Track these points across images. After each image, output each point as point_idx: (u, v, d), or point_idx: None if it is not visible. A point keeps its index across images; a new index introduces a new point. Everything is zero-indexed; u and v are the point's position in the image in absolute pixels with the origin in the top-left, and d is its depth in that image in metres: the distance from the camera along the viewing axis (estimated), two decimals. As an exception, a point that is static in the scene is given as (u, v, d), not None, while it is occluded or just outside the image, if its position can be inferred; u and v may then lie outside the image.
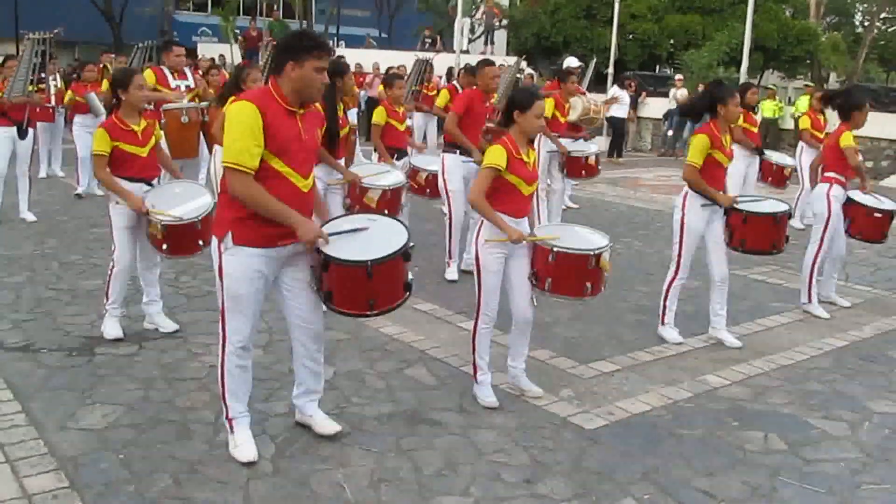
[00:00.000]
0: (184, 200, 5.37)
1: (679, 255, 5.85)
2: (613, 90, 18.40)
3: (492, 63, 7.30)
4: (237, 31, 26.24)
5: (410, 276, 4.05)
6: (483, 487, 3.84)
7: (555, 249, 4.55)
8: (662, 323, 6.00)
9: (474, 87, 7.56)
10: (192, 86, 8.55)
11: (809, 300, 6.84)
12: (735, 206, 5.78)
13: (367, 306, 3.90)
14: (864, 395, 5.16)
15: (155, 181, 5.56)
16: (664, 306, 5.98)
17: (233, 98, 6.62)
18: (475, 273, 4.70)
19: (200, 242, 5.28)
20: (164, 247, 5.25)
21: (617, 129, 18.17)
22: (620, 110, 17.93)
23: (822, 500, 3.89)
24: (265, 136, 3.67)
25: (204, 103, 8.50)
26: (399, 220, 4.20)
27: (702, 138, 5.65)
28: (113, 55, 15.13)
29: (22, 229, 8.84)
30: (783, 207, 6.02)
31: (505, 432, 4.41)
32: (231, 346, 3.96)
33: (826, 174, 6.84)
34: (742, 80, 17.63)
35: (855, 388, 5.26)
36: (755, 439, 4.47)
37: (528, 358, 4.94)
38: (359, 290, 3.85)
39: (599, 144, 16.93)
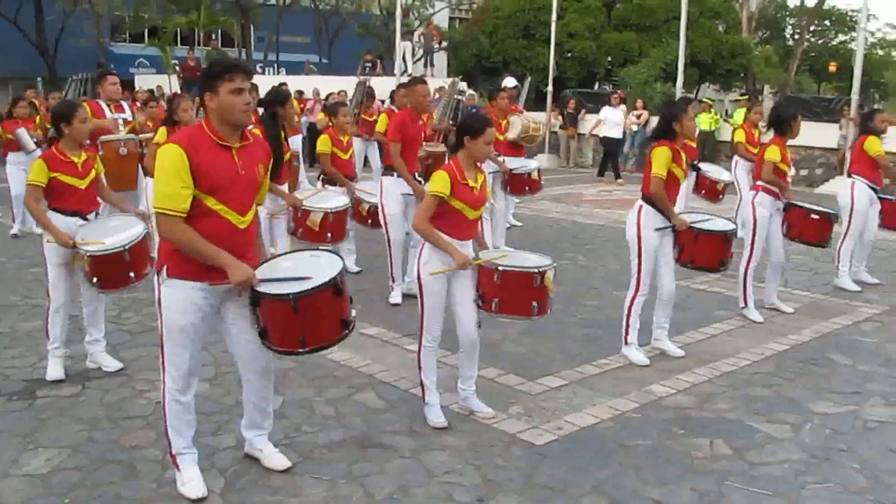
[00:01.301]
0: (116, 232, 5.27)
1: (639, 272, 5.83)
2: (604, 111, 18.24)
3: (423, 81, 7.36)
4: (175, 62, 26.06)
5: (354, 312, 3.95)
6: (435, 509, 3.85)
7: (500, 269, 4.57)
8: (626, 343, 5.93)
9: (405, 106, 7.60)
10: (129, 118, 8.47)
11: (746, 304, 7.00)
12: (692, 226, 5.81)
13: (299, 343, 3.78)
14: (806, 397, 5.28)
15: (92, 216, 5.47)
16: (627, 324, 5.91)
17: (168, 129, 6.60)
18: (418, 295, 4.72)
19: (132, 274, 5.16)
20: (95, 280, 5.13)
21: (610, 148, 18.08)
22: (613, 130, 17.94)
23: (769, 502, 3.97)
24: (195, 176, 3.62)
25: (143, 135, 8.43)
26: (339, 256, 4.09)
27: (664, 150, 5.66)
28: (36, 91, 14.88)
29: (-42, 272, 8.63)
30: (732, 226, 6.14)
31: (456, 452, 4.42)
32: (170, 380, 3.91)
33: (756, 183, 7.04)
34: (678, 95, 18.02)
35: (797, 392, 5.38)
36: (702, 446, 4.55)
37: (477, 376, 4.96)
38: (288, 325, 3.77)
39: (542, 162, 17.13)
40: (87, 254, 5.07)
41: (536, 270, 4.60)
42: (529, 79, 14.29)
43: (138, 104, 11.04)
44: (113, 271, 5.13)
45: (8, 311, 7.10)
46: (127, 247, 5.10)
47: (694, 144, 10.34)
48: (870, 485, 4.14)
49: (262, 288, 3.73)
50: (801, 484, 4.14)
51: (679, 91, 18.87)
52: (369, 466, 4.26)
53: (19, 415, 4.90)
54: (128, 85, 23.95)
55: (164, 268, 3.79)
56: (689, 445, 4.56)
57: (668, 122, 5.74)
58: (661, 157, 5.65)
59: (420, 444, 4.51)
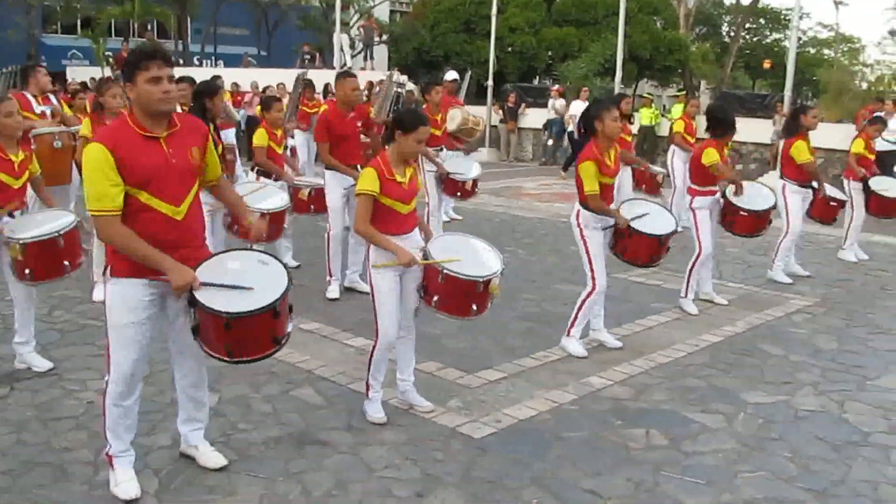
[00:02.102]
0: (44, 223, 5.12)
1: (592, 270, 5.84)
2: (575, 105, 17.35)
3: (352, 75, 7.34)
4: (109, 54, 25.50)
5: (290, 327, 3.88)
6: (374, 505, 3.83)
7: (444, 272, 4.53)
8: (568, 334, 5.96)
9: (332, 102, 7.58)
10: (58, 110, 8.24)
11: (685, 295, 7.11)
12: (631, 225, 5.85)
13: (226, 353, 3.75)
14: (739, 387, 5.39)
15: (18, 214, 5.31)
16: (575, 318, 5.94)
17: (91, 118, 6.41)
18: (371, 295, 4.67)
19: (66, 263, 5.05)
20: (28, 272, 4.98)
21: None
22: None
23: (702, 490, 4.03)
24: (122, 172, 3.54)
25: (75, 127, 8.22)
26: (286, 270, 3.96)
27: (589, 165, 5.63)
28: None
29: None
30: (669, 229, 6.08)
31: (395, 447, 4.40)
32: (113, 383, 3.82)
33: (691, 185, 7.15)
34: (617, 90, 18.24)
35: (730, 382, 5.49)
36: (638, 437, 4.61)
37: (416, 371, 4.95)
38: (218, 337, 3.72)
39: (482, 156, 17.17)
40: (20, 241, 4.92)
41: (480, 280, 4.55)
42: (470, 72, 14.30)
43: (69, 96, 10.75)
44: (46, 260, 5.00)
45: (-68, 310, 6.87)
46: (61, 232, 4.98)
47: (629, 139, 10.47)
48: (800, 472, 4.24)
49: (200, 297, 3.66)
50: (733, 472, 4.22)
51: (618, 86, 19.12)
52: (307, 463, 4.22)
53: (-57, 417, 4.74)
54: (60, 77, 23.41)
55: (109, 267, 3.72)
56: (625, 436, 4.61)
57: (591, 121, 5.72)
58: (588, 171, 5.64)
59: (359, 440, 4.49)
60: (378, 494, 3.93)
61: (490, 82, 21.57)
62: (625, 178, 9.96)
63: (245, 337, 3.73)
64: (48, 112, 8.11)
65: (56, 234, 4.97)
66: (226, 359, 3.79)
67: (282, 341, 3.83)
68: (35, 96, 8.06)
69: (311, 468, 4.17)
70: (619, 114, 5.81)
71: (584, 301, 5.93)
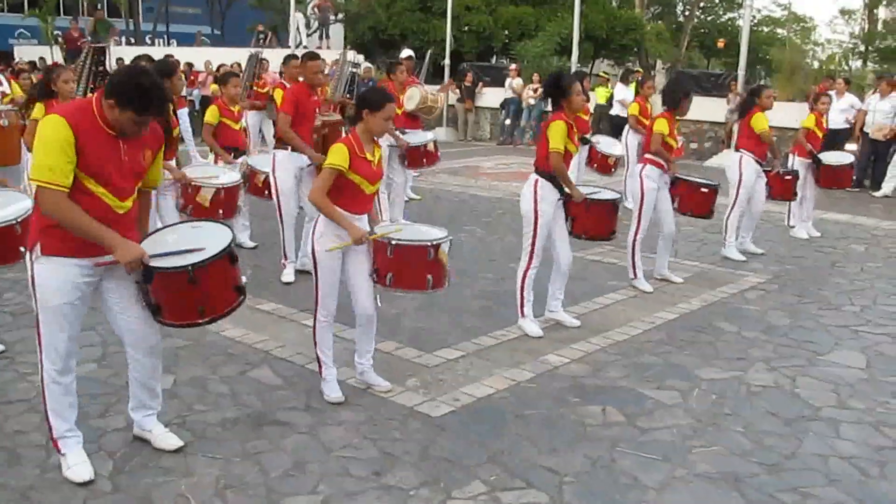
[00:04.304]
0: (3, 206, 5.04)
1: (532, 244, 5.87)
2: (618, 89, 15.22)
3: (316, 56, 7.22)
4: (58, 33, 24.93)
5: (244, 279, 3.94)
6: (331, 484, 3.82)
7: (392, 243, 4.54)
8: (522, 315, 5.98)
9: (295, 79, 7.48)
10: (7, 91, 8.05)
11: (635, 276, 7.18)
12: (587, 199, 5.88)
13: (198, 314, 3.76)
14: (694, 364, 5.46)
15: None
16: (522, 298, 5.96)
17: (44, 104, 6.27)
18: (312, 270, 4.66)
19: (22, 249, 4.96)
20: None
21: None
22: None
23: (657, 466, 4.09)
24: (78, 154, 3.47)
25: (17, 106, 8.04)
26: (224, 223, 4.03)
27: (560, 124, 5.65)
28: None
29: None
30: (617, 195, 6.31)
31: (353, 427, 4.40)
32: (48, 362, 3.77)
33: (645, 156, 7.21)
34: (574, 69, 18.26)
35: (685, 359, 5.56)
36: (595, 414, 4.65)
37: (374, 350, 4.94)
38: (185, 297, 3.71)
39: (440, 135, 17.10)
40: None
41: (430, 244, 4.58)
42: (430, 52, 14.18)
43: (18, 76, 10.50)
44: (2, 246, 4.91)
45: None
46: (19, 220, 4.90)
47: (586, 118, 10.50)
48: (753, 447, 4.31)
49: (157, 263, 3.62)
50: (688, 448, 4.28)
51: (574, 65, 19.14)
52: (264, 444, 4.20)
53: None
54: (5, 57, 22.87)
55: (38, 245, 3.62)
56: (582, 413, 4.65)
57: (555, 96, 5.75)
58: (558, 130, 5.65)
59: (316, 420, 4.47)
60: (336, 474, 3.92)
61: (447, 61, 21.48)
62: (580, 156, 10.00)
63: (212, 287, 3.75)
64: (-5, 92, 7.93)
65: (14, 222, 4.90)
66: (199, 321, 3.80)
67: (244, 290, 3.89)
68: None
69: (268, 449, 4.15)
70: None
71: (523, 278, 5.96)
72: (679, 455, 4.20)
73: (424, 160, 9.10)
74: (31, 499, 3.67)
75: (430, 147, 9.01)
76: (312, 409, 4.60)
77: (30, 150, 7.10)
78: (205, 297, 3.74)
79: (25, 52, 25.01)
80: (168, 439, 4.09)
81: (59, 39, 23.97)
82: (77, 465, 3.81)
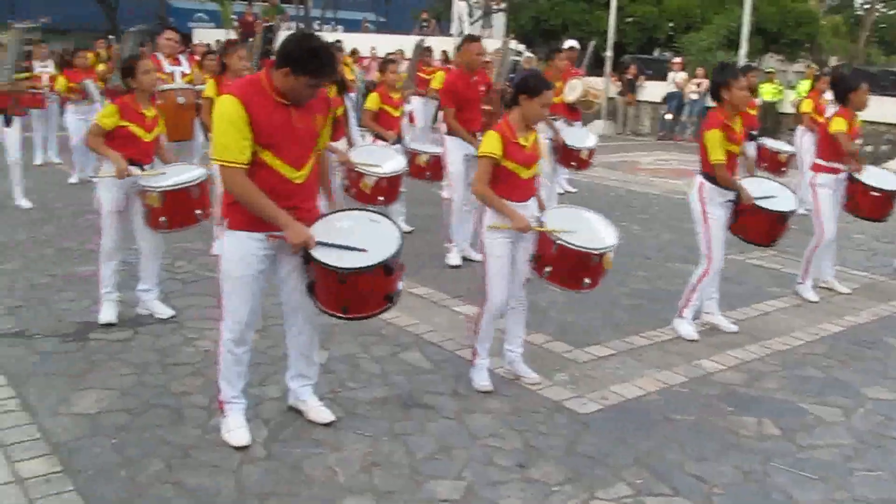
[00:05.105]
0: (177, 175, 5.35)
1: (709, 248, 5.65)
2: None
3: (476, 39, 7.26)
4: (234, 17, 26.12)
5: (400, 286, 3.94)
6: (476, 472, 3.84)
7: (558, 242, 4.47)
8: (681, 315, 5.79)
9: (457, 66, 7.54)
10: (187, 71, 8.50)
11: (803, 281, 6.82)
12: (755, 203, 5.60)
13: (340, 309, 3.83)
14: (859, 381, 5.15)
15: (148, 167, 5.52)
16: (688, 298, 5.77)
17: (215, 80, 6.58)
18: (482, 259, 4.68)
19: (198, 212, 5.27)
20: (163, 219, 5.22)
21: None
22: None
23: (815, 486, 3.88)
24: (252, 128, 3.62)
25: (200, 86, 8.46)
26: (398, 227, 4.04)
27: (716, 133, 5.45)
28: (106, 41, 15.04)
29: (17, 216, 8.82)
30: (791, 207, 5.80)
31: (499, 416, 4.40)
32: (227, 331, 3.96)
33: (815, 161, 6.82)
34: (741, 64, 17.58)
35: (850, 375, 5.25)
36: (749, 424, 4.47)
37: (524, 341, 4.92)
38: (333, 292, 3.79)
39: (598, 128, 16.86)
40: (158, 190, 5.14)
41: (595, 252, 4.47)
42: (593, 43, 13.86)
43: (197, 58, 11.04)
44: (181, 208, 5.23)
45: (64, 256, 7.25)
46: (196, 182, 5.22)
47: (753, 112, 10.06)
48: (922, 473, 4.03)
49: (316, 254, 3.73)
50: (849, 470, 4.05)
51: (742, 60, 18.40)
52: (412, 425, 4.27)
53: (72, 356, 5.00)
54: (186, 39, 24.14)
55: (225, 220, 3.83)
56: (735, 423, 4.48)
57: (716, 88, 5.54)
58: (715, 140, 5.44)
59: (463, 406, 4.51)
60: (480, 462, 3.94)
61: (609, 53, 21.11)
62: (748, 153, 9.58)
63: (359, 293, 3.80)
64: (177, 72, 8.38)
65: (192, 184, 5.22)
66: (340, 315, 3.87)
67: (394, 299, 3.90)
68: (166, 57, 8.33)
69: (415, 430, 4.22)
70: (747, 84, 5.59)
71: (698, 281, 5.75)
72: (838, 476, 3.98)
73: (574, 164, 8.95)
74: (192, 457, 3.87)
75: (585, 154, 8.83)
76: (459, 396, 4.64)
77: (203, 127, 7.50)
78: (351, 298, 3.80)
79: (203, 35, 26.32)
80: (321, 413, 4.23)
81: (235, 23, 25.11)
82: (236, 429, 4.00)
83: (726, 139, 5.47)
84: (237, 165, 3.64)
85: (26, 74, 9.23)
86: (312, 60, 3.61)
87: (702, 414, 4.57)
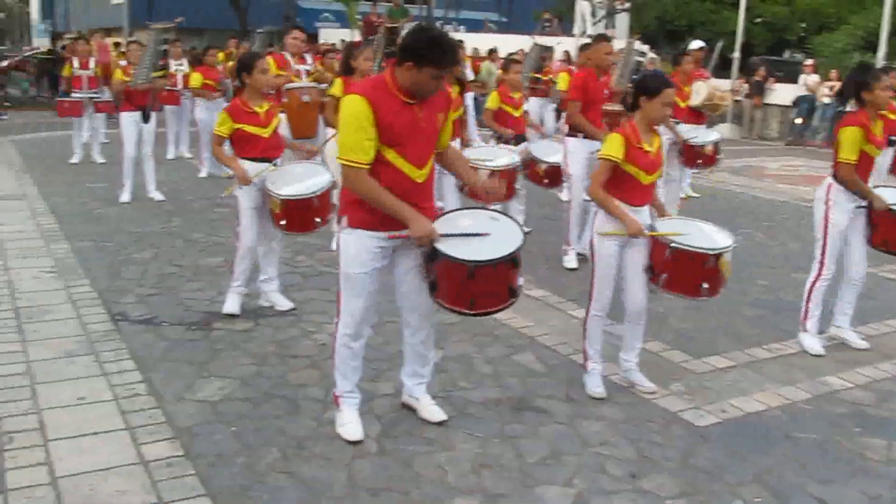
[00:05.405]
0: (303, 179, 5.48)
1: (823, 254, 5.45)
2: None
3: (606, 38, 7.17)
4: (359, 17, 26.62)
5: (521, 281, 3.93)
6: (587, 479, 3.78)
7: (672, 245, 4.38)
8: (804, 329, 5.56)
9: (584, 66, 7.44)
10: (311, 70, 8.71)
11: None
12: (892, 208, 5.32)
13: (468, 304, 3.83)
14: None
15: (278, 161, 5.68)
16: (806, 309, 5.54)
17: (342, 80, 6.70)
18: (590, 259, 4.62)
19: (317, 220, 5.40)
20: (283, 222, 5.38)
21: None
22: None
23: (951, 514, 3.66)
24: (377, 128, 3.67)
25: (324, 84, 8.66)
26: (518, 224, 4.03)
27: (855, 131, 5.21)
28: (240, 40, 15.58)
29: (150, 208, 9.25)
30: None
31: (612, 424, 4.33)
32: (343, 326, 4.02)
33: None
34: (880, 66, 16.75)
35: None
36: (878, 447, 4.24)
37: (640, 349, 4.82)
38: (460, 287, 3.79)
39: (723, 131, 16.35)
40: (280, 198, 5.30)
41: (710, 253, 4.36)
42: (721, 44, 13.43)
43: (321, 56, 11.33)
44: (301, 214, 5.38)
45: (192, 247, 7.55)
46: (317, 193, 5.34)
47: (894, 117, 9.54)
48: None
49: (442, 247, 3.75)
50: None
51: (880, 62, 17.54)
52: (523, 429, 4.24)
53: (196, 344, 5.20)
54: (311, 38, 24.76)
55: (345, 217, 3.88)
56: (863, 445, 4.25)
57: (857, 89, 5.28)
58: (851, 138, 5.20)
59: (576, 412, 4.45)
60: (592, 469, 3.87)
61: (737, 54, 20.49)
62: (884, 159, 9.09)
63: (487, 287, 3.80)
64: (303, 71, 8.61)
65: (312, 196, 5.34)
66: (466, 311, 3.88)
67: (517, 293, 3.90)
68: (292, 55, 8.56)
69: (526, 434, 4.19)
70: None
71: (811, 289, 5.52)
72: (978, 507, 3.73)
73: (700, 161, 8.70)
74: (307, 448, 3.96)
75: (709, 150, 8.57)
76: (572, 401, 4.58)
77: (327, 124, 7.66)
78: (478, 293, 3.80)
79: (328, 35, 26.94)
80: (433, 411, 4.25)
81: (360, 23, 25.58)
82: (350, 423, 4.06)
83: (864, 139, 5.22)
84: (361, 165, 3.68)
85: (162, 72, 9.69)
86: (434, 50, 3.63)
87: (827, 433, 4.36)
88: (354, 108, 3.66)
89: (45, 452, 3.79)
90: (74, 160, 12.28)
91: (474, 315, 3.99)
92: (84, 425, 4.05)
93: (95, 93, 12.21)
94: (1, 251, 7.13)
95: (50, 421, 4.08)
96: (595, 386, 4.64)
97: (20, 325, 5.38)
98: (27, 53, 24.85)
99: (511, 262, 3.80)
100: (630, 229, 4.37)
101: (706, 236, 4.52)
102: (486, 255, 3.75)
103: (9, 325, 5.36)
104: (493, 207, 4.35)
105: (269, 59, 8.49)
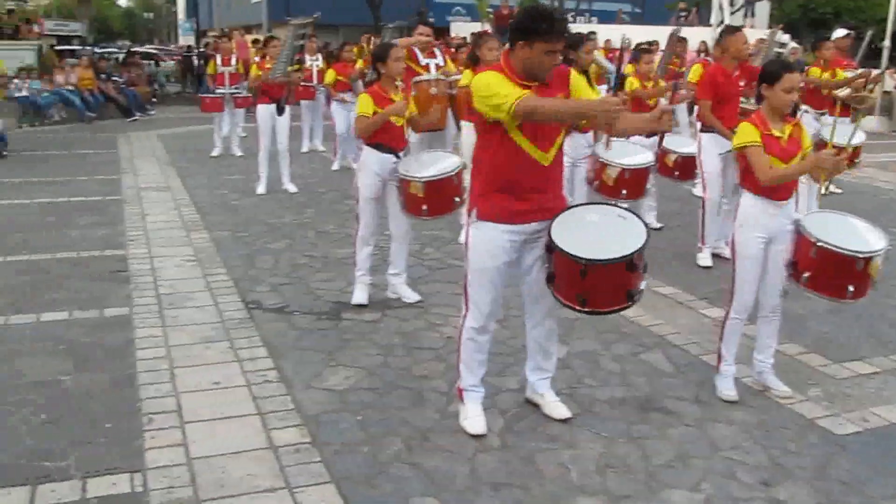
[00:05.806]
0: (434, 163, 5.54)
1: None
2: None
3: (738, 29, 6.89)
4: (489, 10, 26.64)
5: (643, 285, 3.82)
6: (716, 484, 3.65)
7: (818, 244, 4.15)
8: None
9: (721, 58, 7.19)
10: (441, 64, 8.74)
11: None
12: None
13: (578, 301, 3.75)
14: None
15: (402, 153, 5.75)
16: None
17: (474, 70, 6.71)
18: (731, 258, 4.46)
19: (456, 199, 5.44)
20: (425, 208, 5.42)
21: None
22: None
23: None
24: None
25: (454, 77, 8.69)
26: (646, 225, 3.90)
27: None
28: (370, 36, 15.85)
29: (284, 199, 9.53)
30: None
31: (743, 429, 4.16)
32: (470, 318, 4.03)
33: None
34: None
35: None
36: None
37: (776, 352, 4.62)
38: (572, 283, 3.73)
39: (870, 125, 15.52)
40: (421, 180, 5.36)
41: (861, 256, 4.10)
42: (871, 32, 12.69)
43: (452, 50, 11.38)
44: (442, 196, 5.42)
45: (323, 238, 7.74)
46: (455, 171, 5.41)
47: None
48: None
49: (558, 240, 3.71)
50: None
51: None
52: (649, 429, 4.14)
53: (326, 333, 5.32)
54: (442, 33, 24.94)
55: (475, 210, 3.89)
56: None
57: None
58: None
59: (705, 415, 4.30)
60: (721, 475, 3.74)
61: (887, 43, 19.35)
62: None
63: (598, 286, 3.72)
64: (431, 64, 8.66)
65: (452, 174, 5.39)
66: (576, 307, 3.80)
67: (635, 297, 3.79)
68: (421, 50, 8.63)
69: (653, 435, 4.08)
70: None
71: None
72: None
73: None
74: (430, 440, 3.98)
75: (849, 150, 8.07)
76: (702, 403, 4.44)
77: (456, 118, 7.69)
78: (590, 291, 3.72)
79: (459, 29, 27.07)
80: (557, 408, 4.20)
81: (490, 16, 25.61)
82: (473, 417, 4.06)
83: None
84: (525, 96, 3.58)
85: (297, 67, 9.98)
86: (541, 23, 3.59)
87: (982, 448, 4.07)
88: (487, 75, 3.69)
89: (181, 434, 3.96)
90: (215, 153, 12.83)
91: (586, 313, 3.90)
92: (218, 409, 4.21)
93: (236, 88, 12.72)
94: (147, 240, 7.51)
95: (187, 404, 4.26)
96: (727, 388, 4.48)
97: (162, 311, 5.65)
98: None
99: (626, 265, 3.69)
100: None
101: (857, 235, 4.27)
102: (601, 253, 3.67)
103: (152, 311, 5.64)
104: (623, 205, 4.24)
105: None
